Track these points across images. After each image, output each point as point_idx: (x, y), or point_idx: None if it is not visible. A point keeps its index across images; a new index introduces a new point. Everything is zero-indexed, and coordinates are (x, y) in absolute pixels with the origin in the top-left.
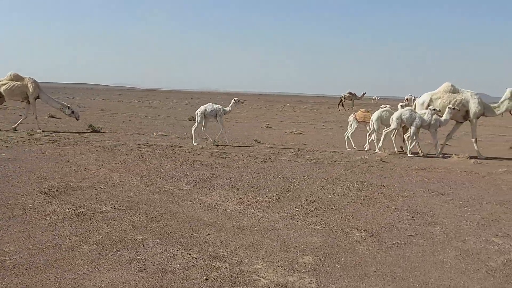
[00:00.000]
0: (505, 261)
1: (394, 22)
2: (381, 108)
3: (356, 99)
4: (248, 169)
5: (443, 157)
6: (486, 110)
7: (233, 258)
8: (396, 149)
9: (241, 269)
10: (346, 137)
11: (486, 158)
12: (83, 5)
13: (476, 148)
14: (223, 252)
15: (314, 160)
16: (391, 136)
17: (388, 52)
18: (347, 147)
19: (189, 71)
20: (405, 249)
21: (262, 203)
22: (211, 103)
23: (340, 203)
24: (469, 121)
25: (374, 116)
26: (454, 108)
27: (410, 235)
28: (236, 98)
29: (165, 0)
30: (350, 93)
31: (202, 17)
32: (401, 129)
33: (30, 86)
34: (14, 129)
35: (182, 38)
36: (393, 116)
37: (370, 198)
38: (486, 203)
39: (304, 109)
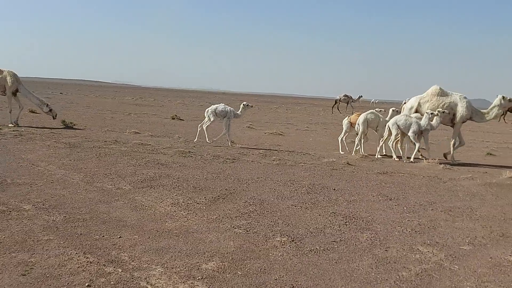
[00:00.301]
0: (420, 271)
1: (396, 24)
2: (376, 110)
3: (352, 102)
4: (203, 169)
5: (413, 161)
6: (474, 115)
7: (132, 263)
8: (394, 156)
9: (133, 276)
10: (340, 140)
11: (459, 164)
12: (85, 3)
13: (451, 152)
14: (124, 257)
15: (278, 162)
16: (389, 143)
17: (389, 55)
18: (340, 150)
19: (192, 70)
20: (321, 256)
21: (198, 204)
22: (222, 104)
23: (280, 206)
24: (454, 123)
25: (361, 118)
26: (443, 112)
27: (334, 241)
28: (245, 103)
29: (168, 1)
30: (346, 95)
31: (205, 17)
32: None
33: (8, 79)
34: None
35: (184, 38)
36: (388, 123)
37: (313, 201)
38: (432, 209)
39: (298, 110)
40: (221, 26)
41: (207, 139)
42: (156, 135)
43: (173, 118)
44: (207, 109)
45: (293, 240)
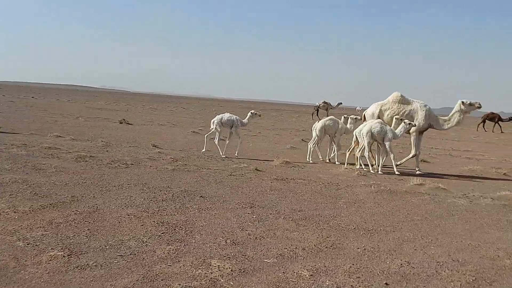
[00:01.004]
0: None
1: (394, 30)
2: (344, 116)
3: (331, 108)
4: (80, 175)
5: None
6: (435, 123)
7: None
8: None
9: None
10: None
11: (383, 172)
12: (84, 5)
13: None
14: None
15: (179, 167)
16: (366, 152)
17: (389, 58)
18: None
19: (186, 76)
20: (83, 273)
21: (14, 213)
22: (228, 113)
23: (111, 215)
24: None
25: (318, 125)
26: (410, 123)
27: (121, 255)
28: (253, 111)
29: (167, 2)
30: (325, 102)
31: (203, 16)
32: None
33: None
34: None
35: (180, 42)
36: (362, 131)
37: (158, 210)
38: (284, 217)
39: (272, 117)
40: (217, 31)
41: (221, 153)
42: (80, 139)
43: (121, 123)
44: (213, 120)
45: (69, 255)
